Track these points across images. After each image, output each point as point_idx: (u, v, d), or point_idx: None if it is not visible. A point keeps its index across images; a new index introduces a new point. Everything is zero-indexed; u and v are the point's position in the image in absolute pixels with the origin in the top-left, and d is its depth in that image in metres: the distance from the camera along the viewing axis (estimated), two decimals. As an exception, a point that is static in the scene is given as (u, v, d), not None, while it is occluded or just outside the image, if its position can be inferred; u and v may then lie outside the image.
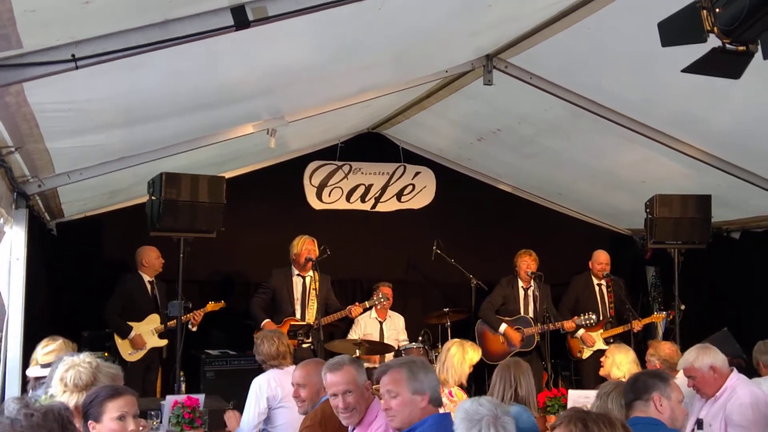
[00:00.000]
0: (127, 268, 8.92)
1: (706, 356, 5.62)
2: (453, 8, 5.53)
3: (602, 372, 6.92)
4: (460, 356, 6.71)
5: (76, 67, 3.77)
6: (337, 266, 9.59)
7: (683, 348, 6.28)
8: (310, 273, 8.91)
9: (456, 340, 6.95)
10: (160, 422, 5.55)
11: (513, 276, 9.79)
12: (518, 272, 9.70)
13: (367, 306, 9.24)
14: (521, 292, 9.74)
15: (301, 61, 5.74)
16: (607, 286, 9.88)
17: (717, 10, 3.75)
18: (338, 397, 4.65)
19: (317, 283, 8.78)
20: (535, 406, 5.83)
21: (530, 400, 5.76)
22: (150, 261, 8.81)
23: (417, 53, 6.66)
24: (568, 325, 9.39)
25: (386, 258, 10.58)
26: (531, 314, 9.60)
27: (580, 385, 9.41)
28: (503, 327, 9.54)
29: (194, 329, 8.61)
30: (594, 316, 9.35)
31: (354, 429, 4.70)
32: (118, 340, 8.51)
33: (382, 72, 7.00)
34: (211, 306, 8.73)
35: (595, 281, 9.90)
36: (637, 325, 9.23)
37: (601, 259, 9.84)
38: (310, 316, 8.83)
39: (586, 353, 9.70)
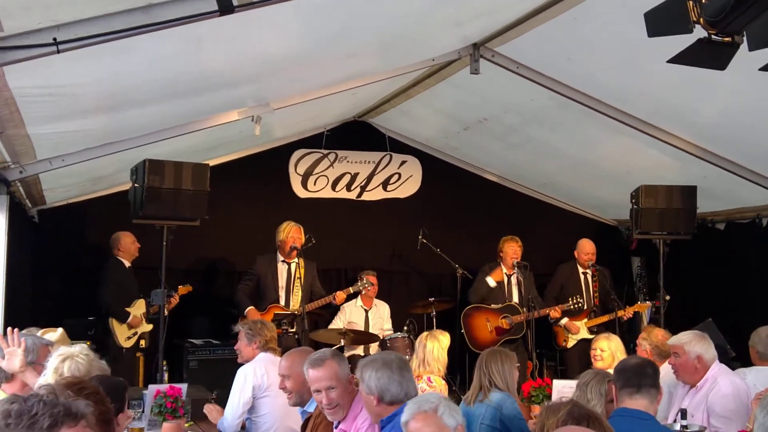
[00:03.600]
0: (109, 257, 8.86)
1: (698, 345, 5.62)
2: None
3: (601, 366, 6.88)
4: (437, 347, 6.86)
5: (58, 51, 3.71)
6: (322, 255, 9.58)
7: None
8: (296, 260, 8.88)
9: (425, 333, 7.11)
10: (142, 411, 5.53)
11: (496, 262, 9.78)
12: (503, 258, 9.68)
13: (351, 291, 9.23)
14: (504, 279, 9.73)
15: (287, 48, 5.71)
16: (593, 276, 9.90)
17: (703, 1, 3.75)
18: (321, 393, 4.58)
19: (302, 270, 8.76)
20: (515, 393, 5.82)
21: (508, 383, 5.75)
22: (126, 246, 8.78)
23: (404, 41, 6.63)
24: (555, 312, 9.42)
25: (372, 247, 10.58)
26: (515, 300, 9.60)
27: (564, 375, 9.44)
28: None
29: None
30: (581, 300, 9.37)
31: (339, 424, 4.64)
32: (116, 326, 8.50)
33: (369, 60, 6.96)
34: (180, 290, 8.74)
35: (581, 270, 9.92)
36: (626, 312, 9.27)
37: (587, 248, 9.85)
38: (295, 303, 8.81)
39: (571, 342, 9.77)
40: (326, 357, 4.66)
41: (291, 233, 8.84)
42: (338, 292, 8.99)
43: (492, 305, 9.63)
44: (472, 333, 9.55)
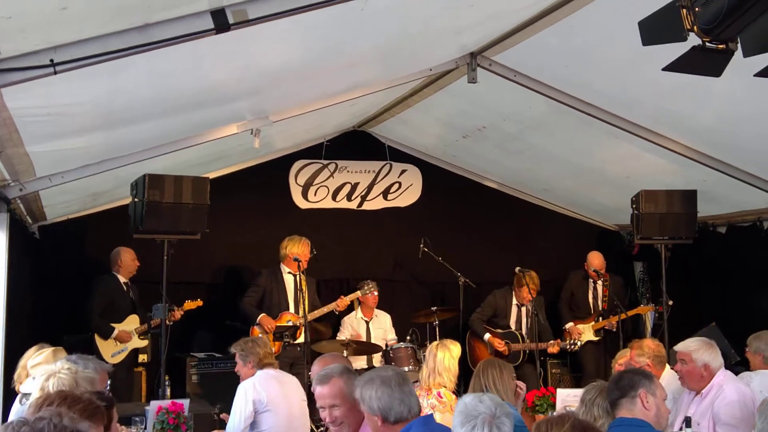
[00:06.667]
0: (109, 270, 8.87)
1: (706, 353, 5.62)
2: (436, 8, 5.51)
3: None
4: (448, 356, 6.63)
5: (55, 72, 3.74)
6: (323, 266, 9.59)
7: (672, 343, 6.29)
8: (299, 273, 8.89)
9: (435, 342, 6.90)
10: (145, 428, 5.53)
11: (508, 290, 9.81)
12: (518, 293, 9.71)
13: (358, 295, 9.30)
14: (514, 309, 9.81)
15: (284, 61, 5.71)
16: (604, 281, 9.99)
17: (697, 9, 3.76)
18: (325, 410, 4.50)
19: (306, 282, 8.80)
20: (512, 401, 5.78)
21: (506, 394, 5.72)
22: (126, 262, 8.82)
23: (401, 52, 6.64)
24: (553, 349, 9.50)
25: (373, 256, 10.56)
26: (523, 330, 9.71)
27: (580, 369, 9.77)
28: (487, 336, 9.66)
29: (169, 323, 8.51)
30: (579, 342, 9.48)
31: None
32: (100, 342, 8.48)
33: (367, 71, 6.97)
34: (188, 305, 8.70)
35: (590, 279, 10.07)
36: (614, 320, 9.48)
37: (594, 263, 10.02)
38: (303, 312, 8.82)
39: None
40: (333, 374, 4.53)
41: (306, 250, 8.88)
42: (339, 299, 8.99)
43: (497, 329, 9.76)
44: (473, 350, 9.63)
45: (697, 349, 5.65)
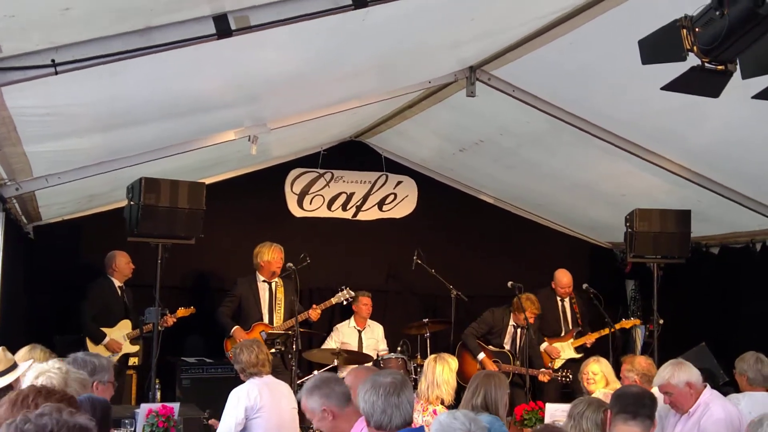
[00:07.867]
0: (104, 273, 8.86)
1: (682, 372, 5.62)
2: (437, 21, 5.53)
3: (595, 389, 6.88)
4: (447, 369, 6.59)
5: (56, 73, 3.75)
6: (317, 274, 9.57)
7: (661, 362, 6.29)
8: (275, 280, 8.93)
9: (433, 356, 6.83)
10: (134, 431, 5.52)
11: (507, 310, 9.74)
12: (516, 315, 9.58)
13: (332, 303, 9.26)
14: (510, 329, 9.75)
15: (284, 69, 5.73)
16: (571, 298, 9.95)
17: (697, 29, 3.78)
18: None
19: (283, 288, 8.78)
20: (504, 414, 5.77)
21: (498, 407, 5.69)
22: (120, 266, 8.78)
23: (400, 64, 6.66)
24: (543, 377, 9.37)
25: (367, 267, 10.55)
26: (517, 351, 9.64)
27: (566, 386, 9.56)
28: (482, 355, 9.58)
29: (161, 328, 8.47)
30: (571, 375, 9.28)
31: None
32: (91, 346, 8.42)
33: (366, 81, 6.99)
34: (181, 312, 8.69)
35: (558, 297, 10.05)
36: (594, 336, 9.55)
37: (562, 282, 9.96)
38: (278, 321, 8.82)
39: (558, 363, 9.85)
40: (302, 394, 4.62)
41: (277, 255, 8.85)
42: (311, 309, 8.95)
43: (490, 346, 9.71)
44: (462, 365, 9.59)
45: (671, 374, 5.64)
